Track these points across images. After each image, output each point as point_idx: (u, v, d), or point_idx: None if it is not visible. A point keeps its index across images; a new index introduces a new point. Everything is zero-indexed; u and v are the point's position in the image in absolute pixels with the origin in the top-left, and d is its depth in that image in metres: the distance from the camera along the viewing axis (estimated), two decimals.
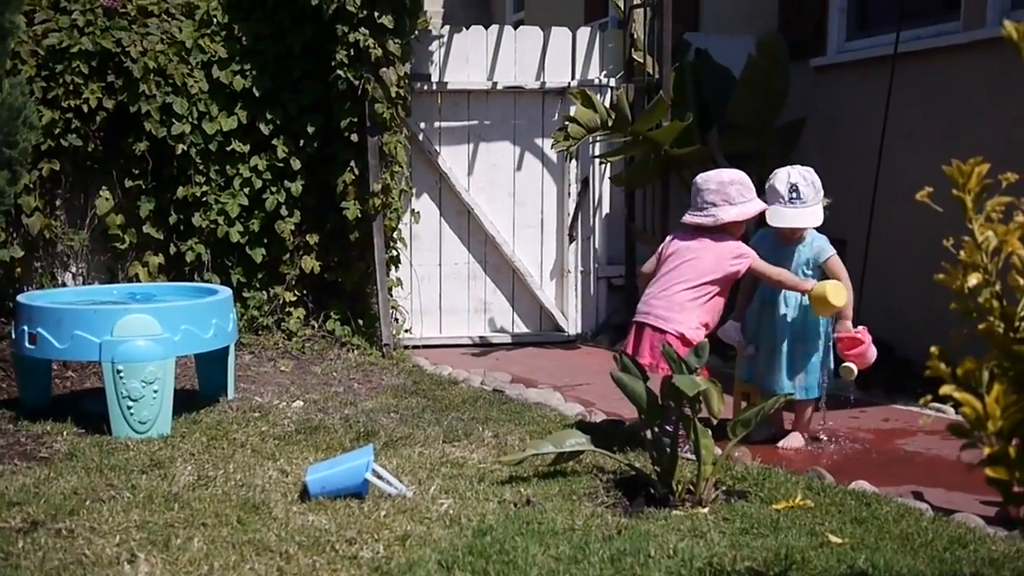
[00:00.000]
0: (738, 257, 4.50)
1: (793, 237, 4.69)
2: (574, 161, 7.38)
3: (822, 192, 4.66)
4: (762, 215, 4.64)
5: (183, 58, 6.68)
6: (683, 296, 4.48)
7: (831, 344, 4.69)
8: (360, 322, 6.95)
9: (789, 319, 4.67)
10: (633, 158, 7.10)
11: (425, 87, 7.20)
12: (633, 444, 4.34)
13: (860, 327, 4.64)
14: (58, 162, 6.61)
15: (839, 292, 4.41)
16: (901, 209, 6.18)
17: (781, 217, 4.59)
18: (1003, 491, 2.06)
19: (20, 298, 5.03)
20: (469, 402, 5.36)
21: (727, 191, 4.48)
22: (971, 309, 2.14)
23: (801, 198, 4.56)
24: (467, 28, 7.35)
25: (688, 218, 4.59)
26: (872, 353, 4.60)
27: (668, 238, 4.73)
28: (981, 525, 3.54)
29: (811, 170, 4.67)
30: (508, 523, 3.44)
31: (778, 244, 4.74)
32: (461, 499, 3.75)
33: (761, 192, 4.70)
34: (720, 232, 4.53)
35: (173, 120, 6.63)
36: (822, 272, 4.68)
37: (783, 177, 4.60)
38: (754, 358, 4.78)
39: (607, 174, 7.54)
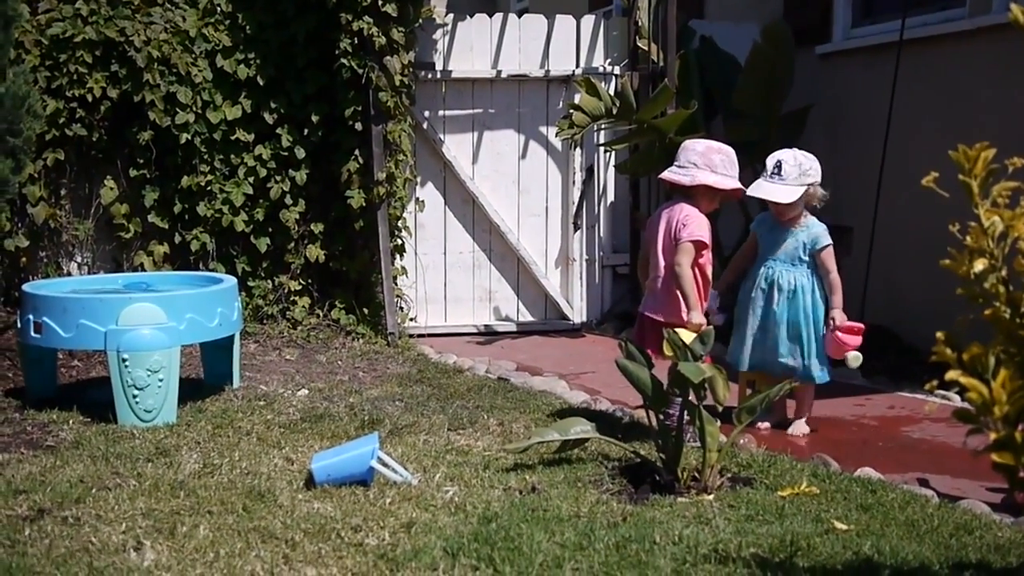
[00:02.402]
0: (687, 227, 4.38)
1: (783, 219, 4.69)
2: (579, 149, 7.36)
3: (812, 177, 4.63)
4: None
5: (187, 47, 6.67)
6: (659, 283, 4.49)
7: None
8: (365, 311, 6.95)
9: (789, 305, 4.66)
10: (638, 146, 7.08)
11: (429, 75, 7.18)
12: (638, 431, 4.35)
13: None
14: (63, 151, 6.60)
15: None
16: (907, 195, 6.17)
17: (755, 188, 4.65)
18: (1009, 477, 2.06)
19: (25, 287, 5.05)
20: (474, 390, 5.37)
21: (711, 157, 4.44)
22: (977, 295, 2.14)
23: (781, 175, 4.59)
24: (471, 16, 7.33)
25: (666, 173, 4.52)
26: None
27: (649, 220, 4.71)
28: (987, 511, 3.54)
29: (809, 155, 4.67)
30: (513, 510, 3.45)
31: (775, 226, 4.75)
32: (466, 486, 3.75)
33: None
34: (692, 198, 4.46)
35: (177, 109, 6.62)
36: (813, 260, 4.69)
37: (775, 155, 4.66)
38: (743, 342, 4.76)
39: (611, 162, 7.52)
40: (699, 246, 4.39)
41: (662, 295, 4.48)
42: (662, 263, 4.48)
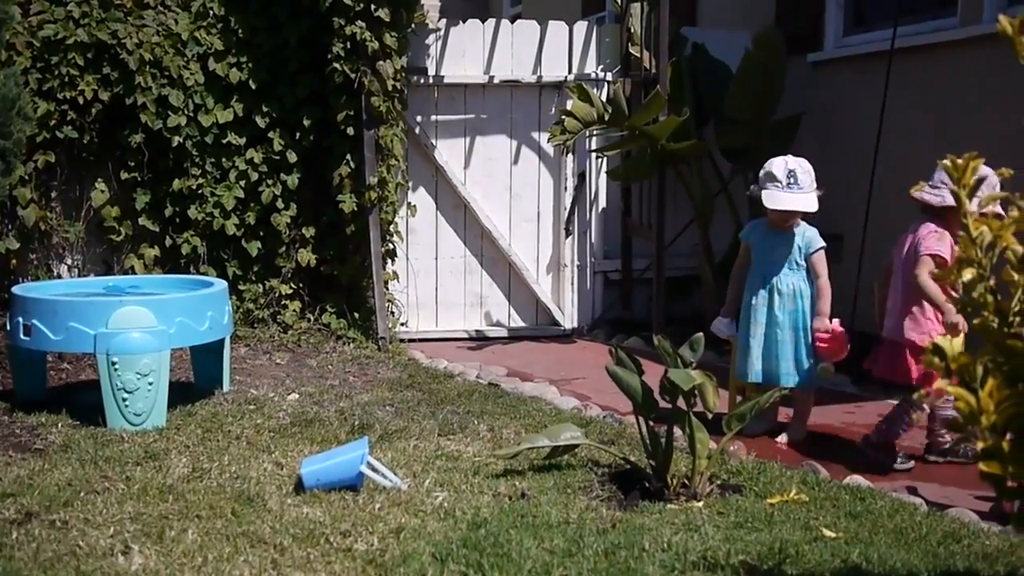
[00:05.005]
0: (924, 241, 4.27)
1: (784, 224, 4.69)
2: (571, 155, 7.37)
3: (815, 183, 4.68)
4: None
5: (179, 50, 6.66)
6: (898, 302, 4.43)
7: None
8: (356, 315, 6.94)
9: (790, 310, 4.66)
10: (629, 152, 7.09)
11: (422, 80, 7.19)
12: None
13: (834, 320, 4.64)
14: (53, 154, 6.59)
15: None
16: (897, 204, 6.18)
17: (778, 200, 4.61)
18: (996, 486, 2.06)
19: (15, 289, 5.03)
20: (464, 396, 5.36)
21: None
22: (966, 304, 2.15)
23: (798, 184, 4.59)
24: (464, 22, 7.34)
25: (917, 192, 4.28)
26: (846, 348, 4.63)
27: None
28: (975, 520, 3.55)
29: (805, 161, 4.69)
30: (502, 516, 3.45)
31: (769, 232, 4.75)
32: (456, 492, 3.75)
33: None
34: (943, 218, 4.31)
35: (169, 112, 6.61)
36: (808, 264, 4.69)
37: (780, 164, 4.63)
38: (747, 352, 4.76)
39: (603, 168, 7.53)
40: (937, 261, 4.26)
41: (899, 314, 4.41)
42: (901, 282, 4.43)
